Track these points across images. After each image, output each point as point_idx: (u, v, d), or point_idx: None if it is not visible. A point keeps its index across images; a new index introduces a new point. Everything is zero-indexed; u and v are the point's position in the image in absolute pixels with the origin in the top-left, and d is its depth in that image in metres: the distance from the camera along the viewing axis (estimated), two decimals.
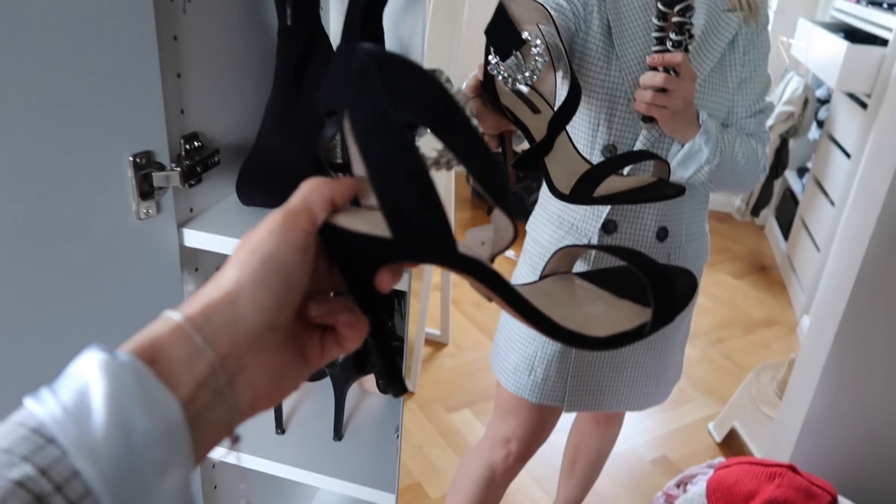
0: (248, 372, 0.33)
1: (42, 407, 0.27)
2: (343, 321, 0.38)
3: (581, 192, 0.71)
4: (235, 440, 0.34)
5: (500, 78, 0.71)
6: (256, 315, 0.33)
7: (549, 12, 0.73)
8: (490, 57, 0.71)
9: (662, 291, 0.49)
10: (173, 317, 0.32)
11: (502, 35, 0.71)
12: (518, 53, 0.71)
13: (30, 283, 0.70)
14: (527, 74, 0.71)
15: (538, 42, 0.71)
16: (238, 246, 0.35)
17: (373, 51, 0.34)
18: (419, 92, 0.34)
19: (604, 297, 0.52)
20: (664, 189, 0.72)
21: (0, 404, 0.68)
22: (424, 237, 0.36)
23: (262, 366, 0.34)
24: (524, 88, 0.75)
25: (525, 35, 0.71)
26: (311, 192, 0.37)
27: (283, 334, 0.35)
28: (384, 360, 0.42)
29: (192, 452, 0.30)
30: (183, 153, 0.85)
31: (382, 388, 1.11)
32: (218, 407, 0.32)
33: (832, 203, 2.80)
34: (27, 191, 0.67)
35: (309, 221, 0.36)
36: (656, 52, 0.93)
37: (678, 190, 0.72)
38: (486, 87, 0.72)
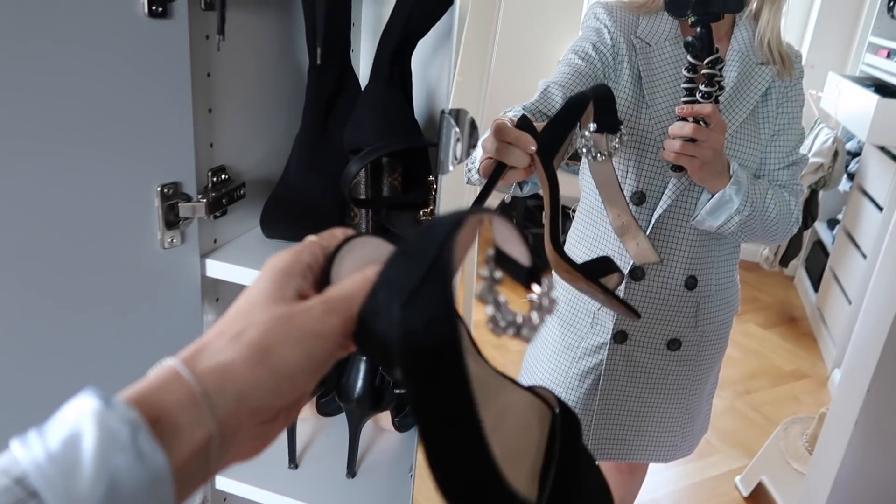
0: (237, 439, 0.32)
1: (27, 452, 0.26)
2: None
3: (589, 272, 0.81)
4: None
5: (584, 144, 0.84)
6: (271, 400, 0.32)
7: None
8: (591, 125, 0.83)
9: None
10: (185, 376, 0.31)
11: (608, 114, 0.82)
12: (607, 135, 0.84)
13: (55, 305, 0.71)
14: (601, 153, 0.85)
15: (623, 134, 0.85)
16: (280, 315, 0.33)
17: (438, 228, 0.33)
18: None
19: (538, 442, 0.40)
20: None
21: (23, 424, 0.69)
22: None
23: (251, 435, 0.33)
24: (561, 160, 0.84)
25: (621, 126, 0.85)
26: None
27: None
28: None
29: None
30: (210, 185, 0.87)
31: (398, 426, 1.10)
32: (202, 470, 0.31)
33: (864, 255, 2.74)
34: (57, 215, 0.69)
35: (354, 317, 0.34)
36: (685, 102, 0.93)
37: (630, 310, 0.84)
38: (551, 141, 0.78)
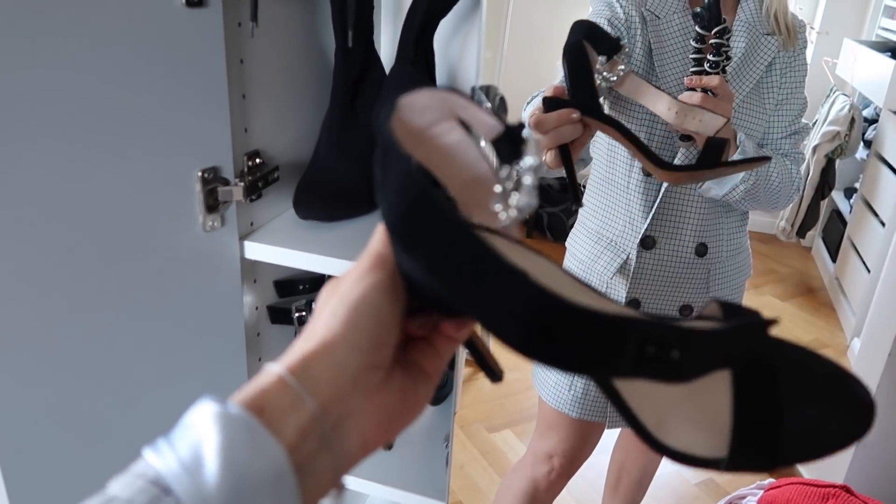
0: (354, 416, 0.34)
1: (161, 460, 0.29)
2: (447, 326, 0.38)
3: (710, 161, 0.85)
4: (340, 488, 0.34)
5: (605, 78, 0.83)
6: (354, 358, 0.34)
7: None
8: (599, 63, 0.82)
9: (754, 427, 0.33)
10: (274, 369, 0.33)
11: (605, 41, 0.81)
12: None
13: (101, 287, 0.74)
14: (623, 72, 0.84)
15: (624, 44, 0.82)
16: (327, 295, 0.36)
17: (380, 130, 0.34)
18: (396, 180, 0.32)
19: (724, 396, 0.34)
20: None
21: (67, 405, 0.73)
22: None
23: (369, 408, 0.34)
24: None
25: (617, 37, 0.83)
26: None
27: (386, 373, 0.36)
28: (477, 357, 0.42)
29: (301, 501, 0.31)
30: (245, 169, 0.89)
31: (432, 400, 1.13)
32: (324, 454, 0.32)
33: (882, 223, 2.74)
34: (103, 203, 0.72)
35: (392, 262, 0.36)
36: (694, 73, 0.95)
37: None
38: (585, 94, 0.77)
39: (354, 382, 0.34)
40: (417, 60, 0.95)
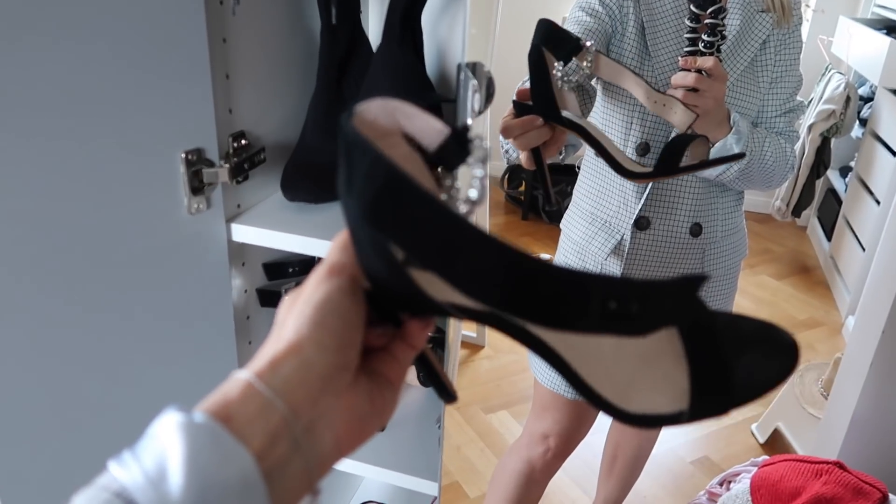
0: (326, 417, 0.34)
1: (126, 473, 0.29)
2: (412, 325, 0.39)
3: (667, 166, 0.85)
4: (315, 493, 0.34)
5: (566, 80, 0.81)
6: (322, 357, 0.34)
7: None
8: (556, 68, 0.80)
9: (707, 375, 0.37)
10: (241, 375, 0.33)
11: (561, 44, 0.80)
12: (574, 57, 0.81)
13: (86, 274, 0.73)
14: (588, 70, 0.82)
15: (589, 43, 0.81)
16: (290, 302, 0.37)
17: (342, 131, 0.34)
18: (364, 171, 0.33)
19: (676, 357, 0.38)
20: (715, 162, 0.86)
21: (56, 393, 0.72)
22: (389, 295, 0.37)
23: (340, 408, 0.34)
24: (572, 82, 0.82)
25: (579, 38, 0.81)
26: (348, 243, 0.38)
27: (354, 375, 0.36)
28: (429, 376, 0.43)
29: None
30: (231, 151, 0.88)
31: (423, 381, 1.13)
32: (296, 458, 0.32)
33: (877, 201, 2.73)
34: (86, 187, 0.71)
35: (351, 268, 0.37)
36: (688, 52, 0.94)
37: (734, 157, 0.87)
38: (545, 101, 0.77)
39: (324, 382, 0.34)
40: (404, 40, 0.94)
